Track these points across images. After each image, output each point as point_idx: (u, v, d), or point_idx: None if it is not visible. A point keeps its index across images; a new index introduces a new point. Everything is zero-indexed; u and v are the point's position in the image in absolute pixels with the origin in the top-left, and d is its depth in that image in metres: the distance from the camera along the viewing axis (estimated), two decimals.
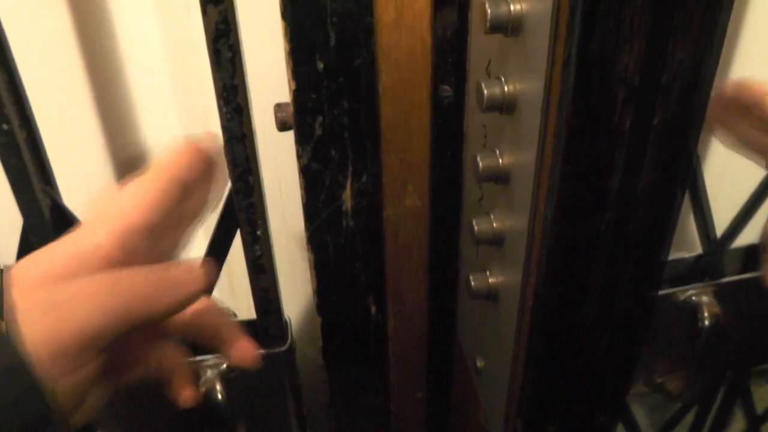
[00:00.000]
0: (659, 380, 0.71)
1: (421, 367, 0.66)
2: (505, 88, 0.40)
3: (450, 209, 0.56)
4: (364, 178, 0.52)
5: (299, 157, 0.50)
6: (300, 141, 0.49)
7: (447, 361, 0.66)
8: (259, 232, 0.52)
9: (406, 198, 0.55)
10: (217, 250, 0.54)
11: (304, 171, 0.51)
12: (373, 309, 0.60)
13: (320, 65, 0.47)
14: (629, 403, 0.85)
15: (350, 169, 0.51)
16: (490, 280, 0.48)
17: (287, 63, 0.47)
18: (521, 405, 0.47)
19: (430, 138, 0.52)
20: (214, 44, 0.45)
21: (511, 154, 0.42)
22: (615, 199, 0.38)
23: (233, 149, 0.49)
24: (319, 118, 0.49)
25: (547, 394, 0.47)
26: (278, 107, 0.51)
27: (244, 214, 0.52)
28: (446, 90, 0.51)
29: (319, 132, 0.49)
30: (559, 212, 0.39)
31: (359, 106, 0.49)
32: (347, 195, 0.52)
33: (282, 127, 0.51)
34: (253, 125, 0.49)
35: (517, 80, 0.40)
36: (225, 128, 0.48)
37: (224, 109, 0.47)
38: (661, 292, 0.63)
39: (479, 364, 0.55)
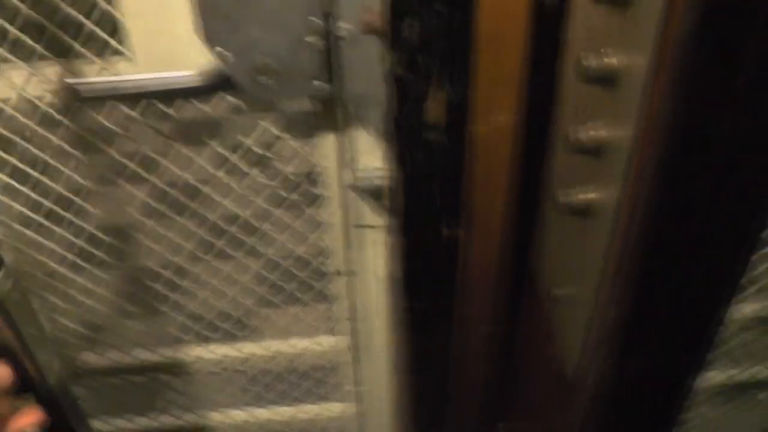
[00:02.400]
0: None
1: (489, 297, 0.65)
2: None
3: (541, 125, 0.53)
4: (451, 91, 0.50)
5: (385, 62, 0.48)
6: (390, 45, 0.48)
7: (517, 292, 0.64)
8: None
9: (496, 114, 0.52)
10: None
11: (390, 78, 0.49)
12: (445, 231, 0.58)
13: None
14: None
15: (438, 78, 0.49)
16: (579, 196, 0.46)
17: None
18: (607, 333, 0.45)
19: (526, 49, 0.50)
20: None
21: (623, 53, 0.40)
22: (738, 108, 0.36)
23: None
24: (411, 22, 0.47)
25: (637, 321, 0.45)
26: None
27: None
28: None
29: (409, 36, 0.47)
30: (672, 116, 0.37)
31: (454, 11, 0.47)
32: (432, 107, 0.51)
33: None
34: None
35: None
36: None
37: None
38: None
39: (556, 292, 0.53)
